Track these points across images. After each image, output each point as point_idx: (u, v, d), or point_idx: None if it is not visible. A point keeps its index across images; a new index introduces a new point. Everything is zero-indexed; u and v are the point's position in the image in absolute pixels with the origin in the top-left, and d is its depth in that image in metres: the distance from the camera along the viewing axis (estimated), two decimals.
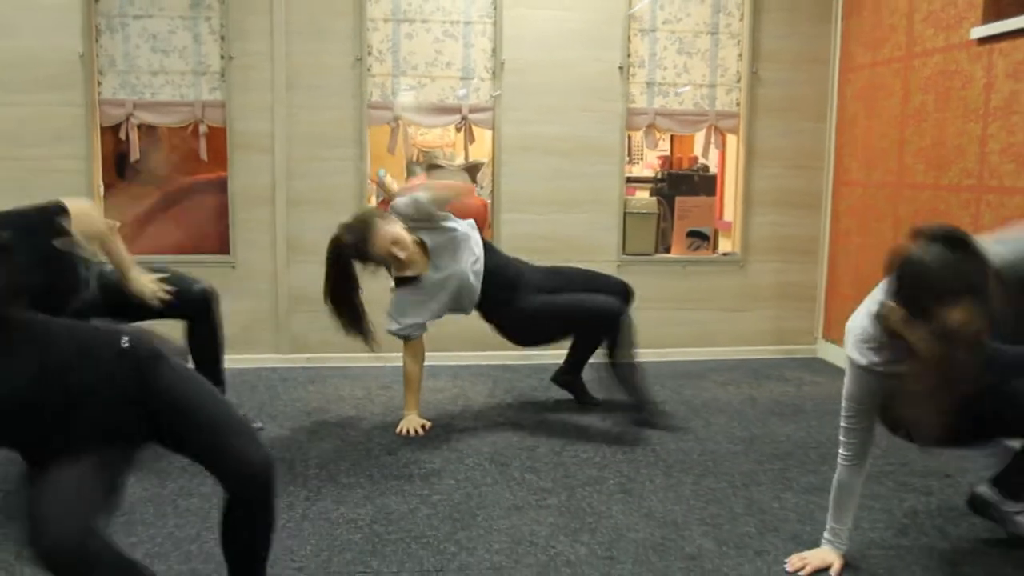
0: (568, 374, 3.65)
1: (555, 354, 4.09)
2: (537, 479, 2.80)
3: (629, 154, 5.28)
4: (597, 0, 4.27)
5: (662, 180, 5.57)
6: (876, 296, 1.99)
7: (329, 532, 2.38)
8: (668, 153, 6.50)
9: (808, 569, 2.17)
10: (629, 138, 4.77)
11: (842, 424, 2.14)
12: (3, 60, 3.97)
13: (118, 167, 4.51)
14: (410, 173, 7.08)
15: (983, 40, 3.35)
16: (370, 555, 2.25)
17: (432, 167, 6.78)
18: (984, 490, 2.37)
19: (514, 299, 3.36)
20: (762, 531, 2.43)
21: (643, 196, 4.84)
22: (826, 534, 2.23)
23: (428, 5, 4.23)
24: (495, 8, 4.23)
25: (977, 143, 3.40)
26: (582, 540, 2.35)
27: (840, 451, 2.16)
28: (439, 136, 6.41)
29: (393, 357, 3.80)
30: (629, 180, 4.78)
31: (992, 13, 3.35)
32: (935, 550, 2.31)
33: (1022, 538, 2.32)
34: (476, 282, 3.32)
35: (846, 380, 2.11)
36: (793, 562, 2.21)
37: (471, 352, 4.24)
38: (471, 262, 3.32)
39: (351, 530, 2.39)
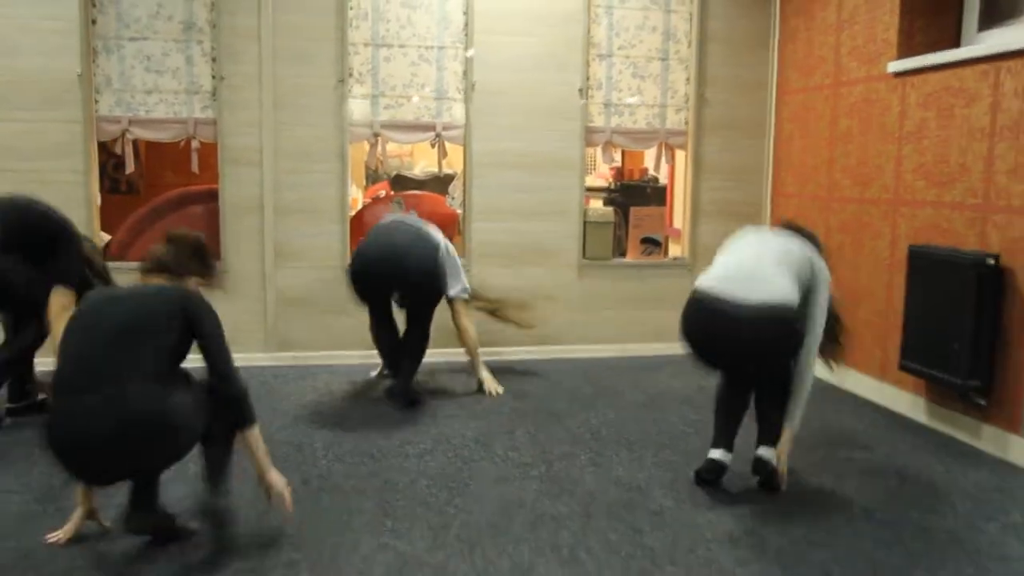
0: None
1: (530, 350, 4.53)
2: (518, 456, 3.20)
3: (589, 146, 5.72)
4: (559, 28, 4.70)
5: (615, 190, 6.05)
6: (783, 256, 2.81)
7: (344, 501, 2.74)
8: (620, 164, 6.98)
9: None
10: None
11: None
12: (5, 79, 4.23)
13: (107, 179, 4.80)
14: (371, 181, 7.47)
15: (898, 74, 3.86)
16: (383, 516, 2.62)
17: (399, 177, 7.17)
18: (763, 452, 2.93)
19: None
20: (712, 492, 2.86)
21: (600, 206, 5.27)
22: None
23: (404, 31, 4.60)
24: (466, 34, 4.63)
25: (894, 162, 3.91)
26: (563, 501, 2.76)
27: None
28: (397, 147, 6.78)
29: (373, 353, 4.19)
30: (586, 190, 5.20)
31: (905, 50, 3.86)
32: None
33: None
34: None
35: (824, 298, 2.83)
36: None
37: (449, 348, 4.60)
38: None
39: (363, 499, 2.76)
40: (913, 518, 2.69)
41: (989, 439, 3.31)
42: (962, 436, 3.45)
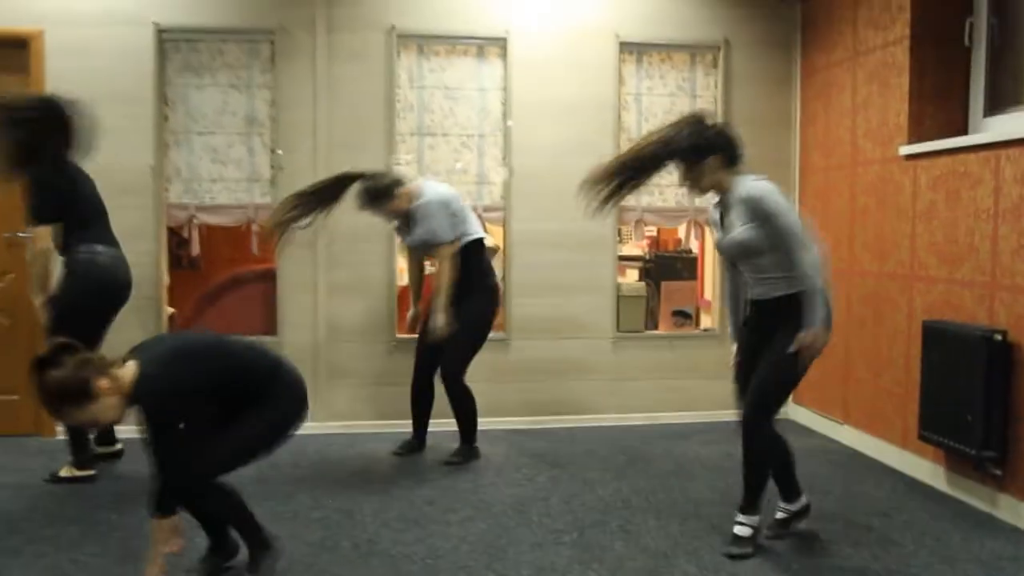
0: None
1: (567, 419, 4.76)
2: (552, 522, 3.42)
3: (620, 235, 6.00)
4: (592, 115, 5.02)
5: (650, 261, 6.31)
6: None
7: (393, 565, 2.99)
8: (655, 233, 7.24)
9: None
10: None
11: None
12: (88, 169, 4.66)
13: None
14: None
15: (909, 157, 4.10)
16: None
17: None
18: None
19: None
20: (734, 561, 3.05)
21: (632, 282, 5.53)
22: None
23: (447, 121, 4.97)
24: (504, 122, 4.98)
25: (908, 240, 4.12)
26: (592, 568, 2.98)
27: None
28: None
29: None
30: (621, 259, 5.47)
31: (916, 134, 4.10)
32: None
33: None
34: None
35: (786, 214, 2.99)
36: None
37: (490, 418, 4.85)
38: None
39: (409, 563, 3.01)
40: None
41: (1006, 508, 3.45)
42: (979, 504, 3.59)
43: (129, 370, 2.54)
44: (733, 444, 3.03)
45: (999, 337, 3.41)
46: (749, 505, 3.13)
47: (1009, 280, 3.45)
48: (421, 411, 4.43)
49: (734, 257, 3.18)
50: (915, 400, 3.93)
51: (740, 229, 3.04)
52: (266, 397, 2.74)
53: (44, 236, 3.72)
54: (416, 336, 4.45)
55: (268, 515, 3.22)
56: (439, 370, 4.25)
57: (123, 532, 3.26)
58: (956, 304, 3.76)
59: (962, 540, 3.25)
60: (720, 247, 3.23)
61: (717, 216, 3.23)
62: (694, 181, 3.14)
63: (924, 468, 3.96)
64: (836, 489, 3.84)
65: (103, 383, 2.47)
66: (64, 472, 3.88)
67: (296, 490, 3.77)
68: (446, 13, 4.90)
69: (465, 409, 4.27)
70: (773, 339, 3.06)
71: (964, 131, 4.06)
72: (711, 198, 3.26)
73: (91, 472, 3.90)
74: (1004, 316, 3.48)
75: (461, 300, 4.17)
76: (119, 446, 4.14)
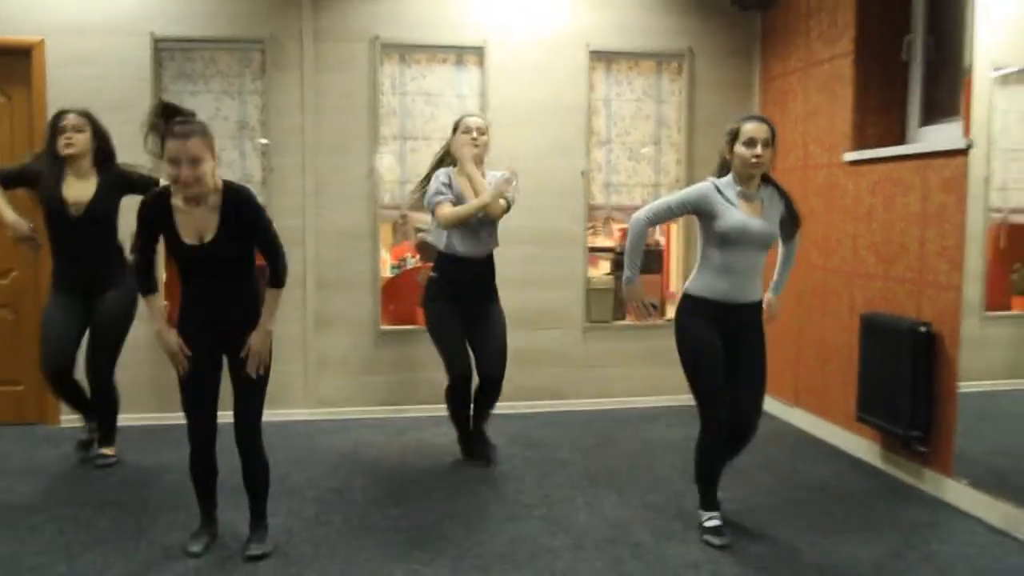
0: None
1: (541, 404, 5.12)
2: (525, 498, 3.80)
3: (593, 227, 6.31)
4: (564, 119, 5.36)
5: (620, 252, 6.64)
6: None
7: (382, 537, 3.35)
8: (625, 226, 7.60)
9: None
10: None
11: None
12: None
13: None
14: (400, 240, 8.12)
15: (852, 163, 4.48)
16: (412, 548, 3.23)
17: (423, 244, 7.83)
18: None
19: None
20: (686, 528, 3.44)
21: (601, 275, 5.88)
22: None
23: (428, 125, 5.30)
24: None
25: (851, 239, 4.50)
26: (559, 537, 3.35)
27: None
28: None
29: (403, 408, 4.80)
30: (593, 250, 5.81)
31: (858, 142, 4.48)
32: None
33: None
34: None
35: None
36: None
37: None
38: None
39: (396, 534, 3.37)
40: (847, 548, 3.25)
41: (929, 481, 3.86)
42: (908, 479, 4.00)
43: None
44: (694, 427, 3.35)
45: (924, 329, 3.80)
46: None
47: (933, 278, 3.84)
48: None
49: (756, 243, 3.26)
50: (855, 385, 4.32)
51: (774, 220, 3.35)
52: None
53: None
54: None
55: None
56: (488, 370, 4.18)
57: (134, 511, 3.59)
58: (891, 299, 4.16)
59: (887, 510, 3.65)
60: (750, 229, 3.24)
61: (723, 199, 3.29)
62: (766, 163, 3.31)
63: (863, 447, 4.37)
64: (784, 466, 4.24)
65: None
66: (108, 451, 4.25)
67: (291, 471, 4.12)
68: (427, 24, 5.21)
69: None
70: (749, 341, 3.35)
71: (903, 140, 4.44)
72: (709, 179, 3.40)
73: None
74: (930, 310, 3.87)
75: (494, 300, 4.29)
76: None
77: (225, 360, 3.18)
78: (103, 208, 4.10)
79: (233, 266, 3.09)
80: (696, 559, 3.16)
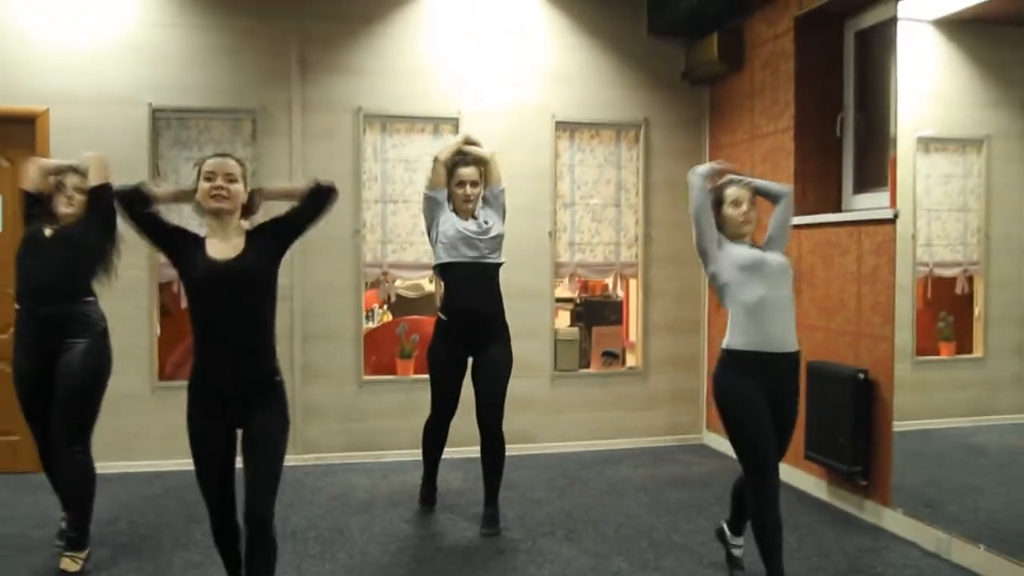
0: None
1: (513, 447, 5.48)
2: (510, 534, 4.15)
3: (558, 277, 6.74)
4: (532, 183, 5.81)
5: (580, 304, 7.11)
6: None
7: (384, 571, 3.67)
8: (586, 280, 8.06)
9: None
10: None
11: None
12: None
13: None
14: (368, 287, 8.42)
15: (794, 227, 4.98)
16: None
17: (398, 297, 8.14)
18: (723, 525, 3.76)
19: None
20: (658, 555, 3.84)
21: (566, 328, 6.31)
22: None
23: (407, 190, 5.70)
24: None
25: (796, 294, 4.99)
26: (545, 568, 3.72)
27: None
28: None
29: (385, 453, 5.12)
30: (556, 300, 6.21)
31: (800, 209, 4.98)
32: None
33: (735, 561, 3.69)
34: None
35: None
36: None
37: (449, 448, 5.52)
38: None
39: (397, 568, 3.69)
40: (801, 572, 3.67)
41: (869, 511, 4.32)
42: (851, 510, 4.46)
43: None
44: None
45: (862, 376, 4.30)
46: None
47: (869, 330, 4.35)
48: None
49: (779, 275, 3.41)
50: (803, 427, 4.79)
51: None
52: None
53: None
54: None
55: None
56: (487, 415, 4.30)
57: (149, 554, 3.85)
58: (832, 348, 4.65)
59: (835, 538, 4.10)
60: (769, 263, 3.40)
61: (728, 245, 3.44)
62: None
63: (810, 482, 4.83)
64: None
65: None
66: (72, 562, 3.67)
67: (288, 513, 4.41)
68: (406, 96, 5.65)
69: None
70: (792, 398, 3.52)
71: (839, 207, 4.98)
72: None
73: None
74: (867, 358, 4.37)
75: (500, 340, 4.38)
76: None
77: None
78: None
79: (257, 301, 3.01)
80: None
